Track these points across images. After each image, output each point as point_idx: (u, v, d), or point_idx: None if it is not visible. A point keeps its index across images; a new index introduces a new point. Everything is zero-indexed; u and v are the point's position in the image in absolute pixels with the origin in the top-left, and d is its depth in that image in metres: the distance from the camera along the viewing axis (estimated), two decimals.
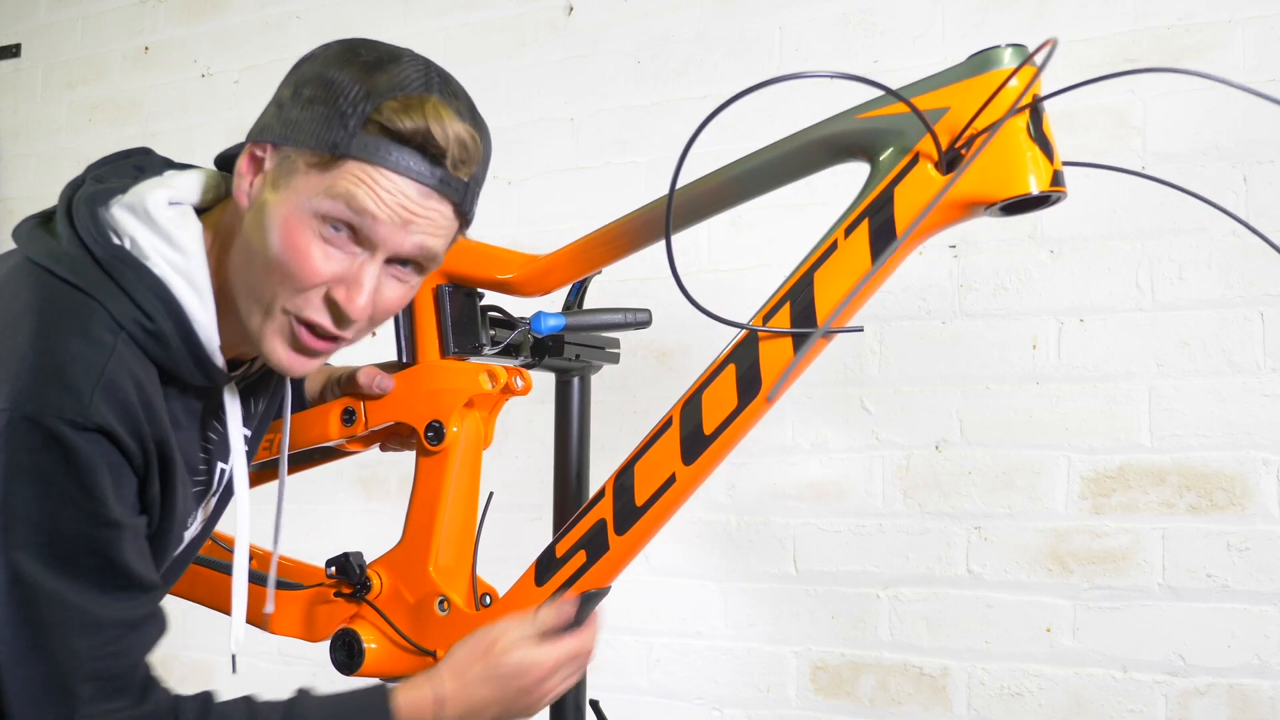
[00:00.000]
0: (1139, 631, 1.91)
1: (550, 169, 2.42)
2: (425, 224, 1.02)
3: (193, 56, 2.88)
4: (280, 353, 1.04)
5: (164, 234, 1.02)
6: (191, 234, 1.03)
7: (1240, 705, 1.84)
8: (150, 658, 1.04)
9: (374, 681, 1.15)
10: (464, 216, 1.08)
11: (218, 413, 1.13)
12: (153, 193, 1.03)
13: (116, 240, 1.01)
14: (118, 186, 1.04)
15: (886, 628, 2.08)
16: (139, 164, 1.09)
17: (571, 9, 2.43)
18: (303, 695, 1.10)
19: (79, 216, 1.01)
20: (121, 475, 0.96)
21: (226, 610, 1.46)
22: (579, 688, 1.52)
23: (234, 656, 1.18)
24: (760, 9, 2.26)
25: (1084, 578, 1.95)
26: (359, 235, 0.99)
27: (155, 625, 1.04)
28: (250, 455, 1.25)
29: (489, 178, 2.65)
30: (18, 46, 3.09)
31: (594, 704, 1.57)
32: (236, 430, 1.12)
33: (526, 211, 2.44)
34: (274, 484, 1.59)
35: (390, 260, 1.03)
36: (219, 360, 1.06)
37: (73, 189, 1.05)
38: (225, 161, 1.12)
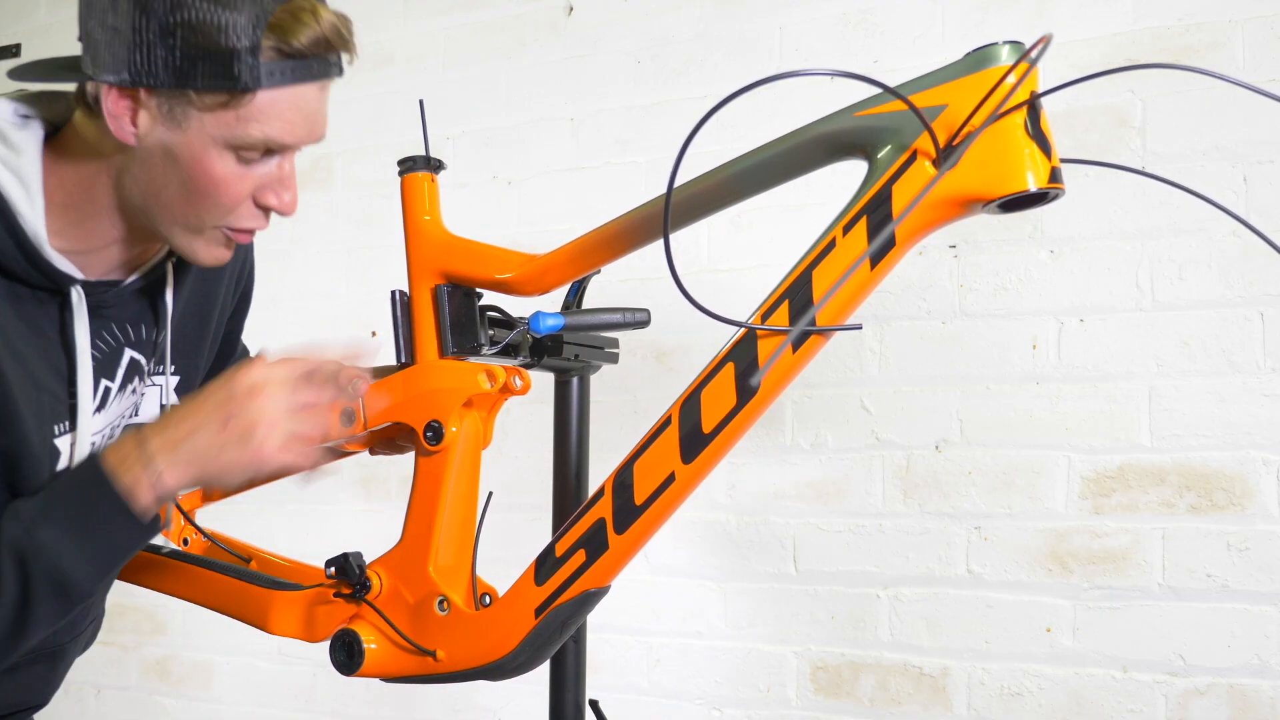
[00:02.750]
0: (1139, 631, 1.91)
1: (550, 169, 2.42)
2: (324, 110, 1.06)
3: None
4: (209, 254, 1.09)
5: (1, 135, 1.05)
6: (29, 136, 1.06)
7: (1240, 705, 1.84)
8: None
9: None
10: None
11: (96, 326, 1.13)
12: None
13: None
14: None
15: (886, 628, 2.07)
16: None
17: (571, 9, 2.44)
18: (20, 502, 1.04)
19: None
20: None
21: (229, 612, 1.47)
22: (579, 688, 1.52)
23: None
24: (760, 9, 2.26)
25: (1084, 578, 1.94)
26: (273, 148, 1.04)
27: None
28: (144, 374, 1.24)
29: (489, 179, 2.65)
30: (18, 46, 3.09)
31: (594, 704, 1.57)
32: (83, 333, 1.11)
33: (526, 211, 2.44)
34: (269, 486, 1.60)
35: None
36: (52, 256, 1.06)
37: None
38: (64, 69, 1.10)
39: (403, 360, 1.35)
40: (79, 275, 1.10)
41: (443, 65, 2.56)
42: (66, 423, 1.11)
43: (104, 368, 1.15)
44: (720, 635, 2.21)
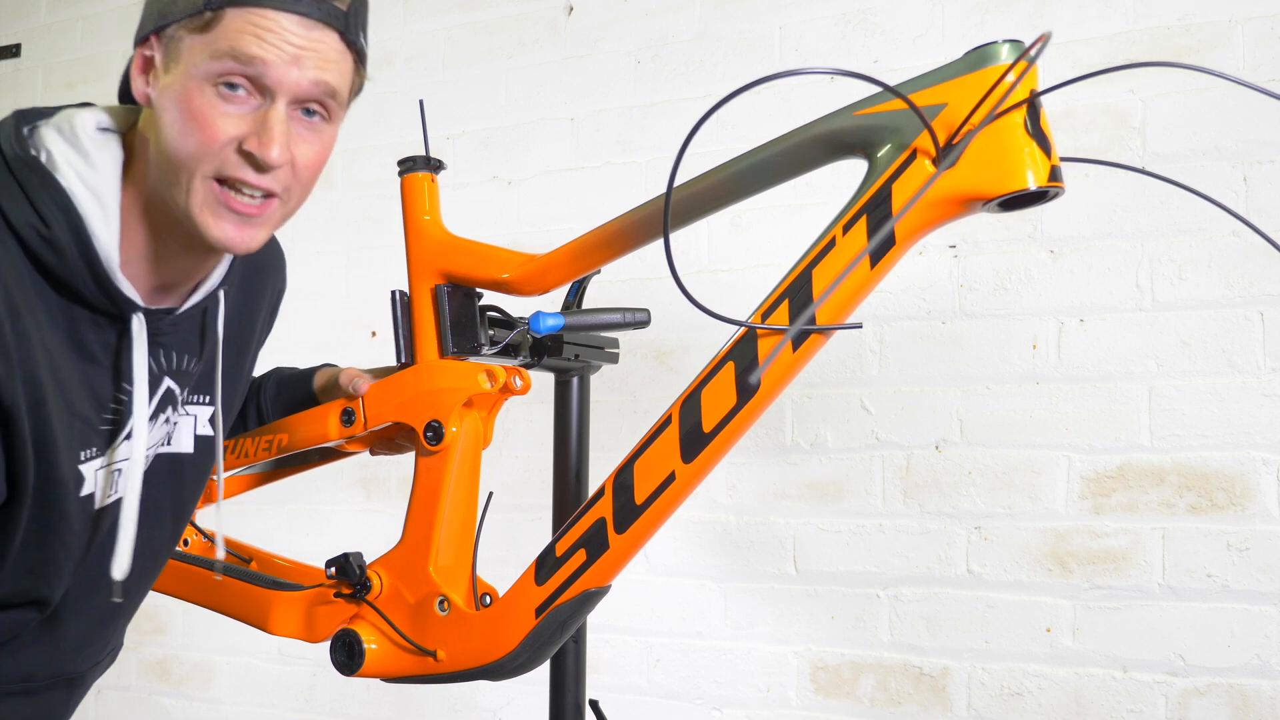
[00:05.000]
0: (1139, 631, 1.90)
1: (550, 169, 2.42)
2: (315, 57, 1.01)
3: None
4: (213, 225, 1.03)
5: (82, 151, 1.04)
6: (110, 155, 1.06)
7: (1240, 705, 1.84)
8: None
9: None
10: (353, 47, 1.05)
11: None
12: (81, 114, 1.07)
13: (34, 152, 1.03)
14: (46, 111, 1.08)
15: (886, 628, 2.07)
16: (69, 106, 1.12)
17: (571, 9, 2.44)
18: None
19: (3, 126, 1.05)
20: None
21: (229, 612, 1.47)
22: (579, 688, 1.52)
23: (117, 582, 1.13)
24: (760, 9, 2.26)
25: (1084, 578, 1.94)
26: (256, 85, 1.00)
27: None
28: (177, 411, 1.22)
29: (489, 179, 2.64)
30: (18, 46, 3.09)
31: (594, 704, 1.57)
32: (141, 361, 1.10)
33: (526, 211, 2.44)
34: (269, 486, 1.60)
35: (295, 106, 1.03)
36: (121, 282, 1.05)
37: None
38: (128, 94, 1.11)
39: (403, 360, 1.35)
40: (140, 302, 1.09)
41: (443, 65, 2.56)
42: (94, 449, 1.10)
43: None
44: (720, 635, 2.21)
